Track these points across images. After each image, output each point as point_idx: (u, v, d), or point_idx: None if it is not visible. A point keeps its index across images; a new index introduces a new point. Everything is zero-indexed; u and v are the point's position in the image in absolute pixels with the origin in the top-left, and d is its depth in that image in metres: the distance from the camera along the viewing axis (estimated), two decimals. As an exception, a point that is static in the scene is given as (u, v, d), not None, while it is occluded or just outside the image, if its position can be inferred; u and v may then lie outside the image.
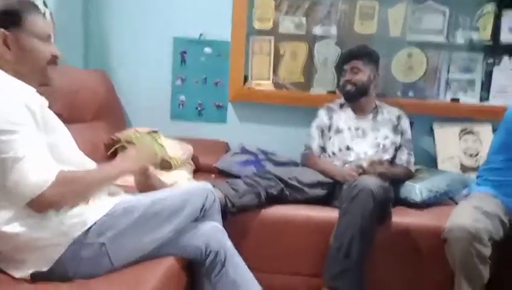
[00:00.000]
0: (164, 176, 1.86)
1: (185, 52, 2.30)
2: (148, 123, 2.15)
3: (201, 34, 2.29)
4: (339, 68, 2.05)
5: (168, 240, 1.18)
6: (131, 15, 2.30)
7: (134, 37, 2.31)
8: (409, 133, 1.91)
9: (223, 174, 2.05)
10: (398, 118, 1.91)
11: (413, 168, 1.89)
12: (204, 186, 1.30)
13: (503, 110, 2.21)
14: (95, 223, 1.08)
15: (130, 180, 1.33)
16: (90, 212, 1.09)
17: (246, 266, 1.27)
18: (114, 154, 1.91)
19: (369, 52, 1.94)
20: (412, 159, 1.89)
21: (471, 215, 1.43)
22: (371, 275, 1.54)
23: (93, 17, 2.31)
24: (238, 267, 1.24)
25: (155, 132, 2.00)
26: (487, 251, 1.38)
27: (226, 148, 2.30)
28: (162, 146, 1.92)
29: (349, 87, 1.90)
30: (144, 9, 2.29)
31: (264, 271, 1.60)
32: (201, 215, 1.27)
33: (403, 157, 1.88)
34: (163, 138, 1.99)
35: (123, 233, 1.09)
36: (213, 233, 1.24)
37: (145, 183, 1.35)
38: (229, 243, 1.25)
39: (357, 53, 1.93)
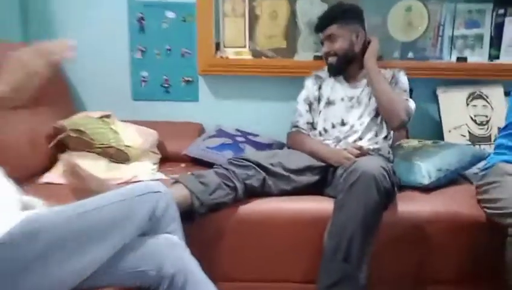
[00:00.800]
0: (122, 170, 1.55)
1: (142, 19, 1.94)
2: (107, 106, 1.83)
3: (161, -5, 1.92)
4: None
5: (104, 266, 0.87)
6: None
7: (81, 2, 1.94)
8: (403, 83, 1.62)
9: (196, 163, 1.74)
10: (393, 76, 1.64)
11: (411, 112, 1.57)
12: (152, 187, 0.97)
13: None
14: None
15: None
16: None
17: (213, 287, 0.97)
18: (58, 147, 1.58)
19: (344, 11, 1.62)
20: (412, 105, 1.57)
21: None
22: (372, 272, 1.26)
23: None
24: (202, 290, 0.94)
25: (107, 116, 1.65)
26: None
27: (199, 131, 1.98)
28: (117, 133, 1.58)
29: (330, 59, 1.63)
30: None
31: (245, 280, 1.35)
32: (150, 227, 0.95)
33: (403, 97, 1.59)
34: (119, 122, 1.65)
35: (26, 268, 0.77)
36: (168, 251, 0.93)
37: (82, 189, 1.03)
38: (190, 263, 0.95)
39: (329, 17, 1.62)
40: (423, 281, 1.41)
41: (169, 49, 1.96)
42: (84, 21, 1.95)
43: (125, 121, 1.77)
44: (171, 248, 0.94)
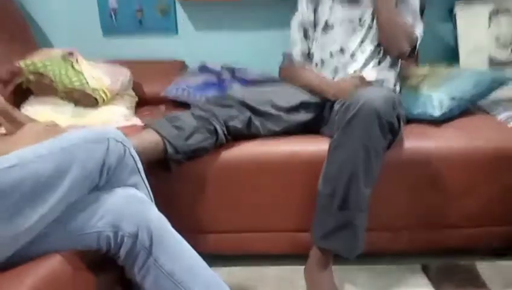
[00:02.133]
0: (90, 116, 1.38)
1: None
2: (75, 44, 1.63)
3: None
4: None
5: (53, 228, 0.73)
6: None
7: None
8: (412, 2, 1.40)
9: (177, 105, 1.56)
10: None
11: (418, 38, 1.39)
12: (102, 132, 0.79)
13: None
14: None
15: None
16: None
17: (189, 247, 0.84)
18: (18, 93, 1.40)
19: None
20: (418, 31, 1.38)
21: None
22: (371, 218, 1.14)
23: None
24: (174, 251, 0.81)
25: (70, 53, 1.44)
26: None
27: (181, 69, 1.79)
28: (80, 73, 1.38)
29: None
30: None
31: (232, 231, 1.26)
32: (103, 180, 0.79)
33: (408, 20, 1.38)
34: (83, 61, 1.44)
35: None
36: (126, 206, 0.78)
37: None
38: (155, 217, 0.80)
39: None
40: (428, 222, 1.29)
41: (140, -27, 1.70)
42: None
43: (95, 60, 1.57)
44: (130, 203, 0.79)
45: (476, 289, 1.23)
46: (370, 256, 1.27)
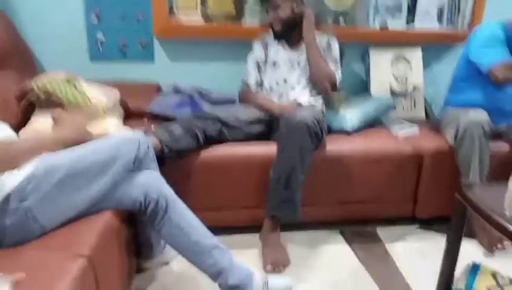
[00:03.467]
0: (91, 127, 1.71)
1: (97, -17, 2.00)
2: (65, 67, 1.92)
3: (112, -41, 1.99)
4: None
5: (103, 195, 1.11)
6: None
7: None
8: (335, 51, 1.88)
9: (157, 118, 1.94)
10: (328, 41, 1.90)
11: (337, 80, 1.83)
12: (134, 135, 1.21)
13: (429, 34, 2.33)
14: (15, 188, 0.98)
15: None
16: (8, 177, 0.98)
17: (189, 210, 1.26)
18: (28, 107, 1.71)
19: None
20: (338, 75, 1.83)
21: None
22: (305, 197, 1.61)
23: None
24: (181, 211, 1.22)
25: (73, 77, 1.78)
26: None
27: (157, 90, 2.14)
28: (82, 92, 1.73)
29: (275, 26, 1.86)
30: None
31: (210, 209, 1.65)
32: (135, 166, 1.20)
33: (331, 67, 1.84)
34: (83, 82, 1.79)
35: (48, 195, 1.00)
36: (150, 182, 1.19)
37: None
38: (168, 190, 1.22)
39: None
40: (344, 200, 1.80)
41: (125, 13, 2.06)
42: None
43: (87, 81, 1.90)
44: (153, 180, 1.20)
45: (375, 243, 1.77)
46: (303, 224, 1.74)
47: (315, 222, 1.82)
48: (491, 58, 1.71)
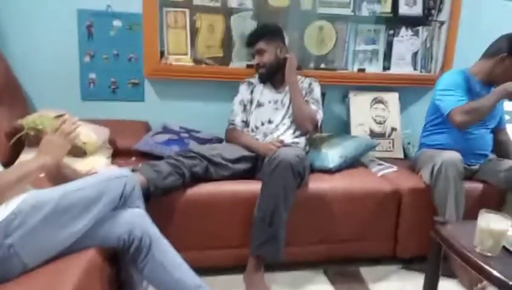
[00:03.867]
0: (78, 164, 1.75)
1: (91, 26, 2.11)
2: (56, 106, 1.94)
3: (108, 6, 2.11)
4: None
5: (87, 232, 1.13)
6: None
7: (31, 9, 2.05)
8: (316, 93, 1.97)
9: (145, 156, 1.98)
10: (310, 84, 2.00)
11: (319, 120, 1.91)
12: (121, 172, 1.25)
13: (404, 77, 2.48)
14: (0, 223, 0.99)
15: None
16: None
17: (173, 248, 1.27)
18: (17, 145, 1.74)
19: (269, 30, 2.00)
20: (319, 116, 1.91)
21: None
22: (289, 237, 1.63)
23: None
24: (164, 249, 1.23)
25: (61, 115, 1.82)
26: None
27: (146, 128, 2.21)
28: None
29: (260, 70, 1.97)
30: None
31: (194, 249, 1.65)
32: (121, 203, 1.22)
33: (313, 108, 1.90)
34: (74, 121, 1.83)
35: (33, 231, 1.01)
36: (135, 220, 1.21)
37: (57, 175, 1.26)
38: (153, 228, 1.24)
39: (258, 34, 1.98)
40: (327, 239, 1.82)
41: (117, 54, 2.16)
42: (34, 27, 2.06)
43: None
44: (138, 218, 1.22)
45: (358, 283, 1.78)
46: (287, 264, 1.75)
47: (299, 261, 1.82)
48: (450, 103, 1.83)
